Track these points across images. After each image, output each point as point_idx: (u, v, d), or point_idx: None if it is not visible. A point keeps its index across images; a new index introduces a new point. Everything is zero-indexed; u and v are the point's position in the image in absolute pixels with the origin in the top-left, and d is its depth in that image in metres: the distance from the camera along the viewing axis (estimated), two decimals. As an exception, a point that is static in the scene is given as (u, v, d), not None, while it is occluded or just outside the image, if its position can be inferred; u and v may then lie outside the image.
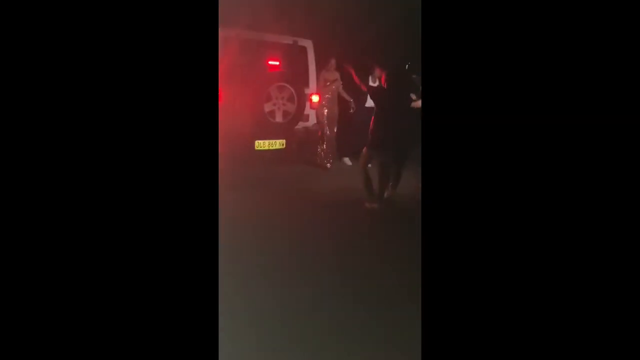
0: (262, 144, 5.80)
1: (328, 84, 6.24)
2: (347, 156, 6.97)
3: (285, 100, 5.75)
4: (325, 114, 6.31)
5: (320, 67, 6.27)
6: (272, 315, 2.62)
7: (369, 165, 4.78)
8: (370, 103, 6.08)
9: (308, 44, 6.11)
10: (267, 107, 5.63)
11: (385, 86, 4.59)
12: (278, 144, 5.91)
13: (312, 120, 6.30)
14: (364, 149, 4.75)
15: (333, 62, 6.28)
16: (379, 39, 6.89)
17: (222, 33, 5.45)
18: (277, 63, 5.75)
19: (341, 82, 6.37)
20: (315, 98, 6.16)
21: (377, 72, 5.97)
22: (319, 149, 6.50)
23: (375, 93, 4.79)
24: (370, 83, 6.30)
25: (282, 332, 2.49)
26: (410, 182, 5.35)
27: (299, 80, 5.88)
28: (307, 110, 6.11)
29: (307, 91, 6.00)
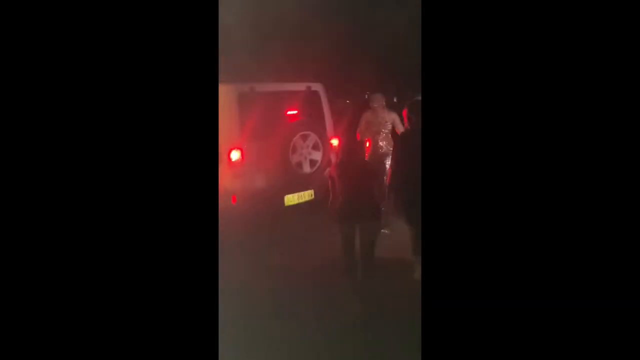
0: (291, 199, 5.43)
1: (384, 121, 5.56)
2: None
3: (310, 149, 5.43)
4: (388, 162, 5.22)
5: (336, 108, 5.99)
6: (272, 317, 2.76)
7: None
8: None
9: (319, 87, 5.86)
10: (294, 159, 5.30)
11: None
12: (307, 195, 5.57)
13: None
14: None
15: (380, 98, 5.59)
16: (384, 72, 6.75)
17: (237, 89, 5.16)
18: (296, 112, 5.47)
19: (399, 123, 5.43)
20: (335, 142, 5.87)
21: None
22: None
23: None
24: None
25: (281, 333, 2.57)
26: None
27: (320, 126, 5.60)
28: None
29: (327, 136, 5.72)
